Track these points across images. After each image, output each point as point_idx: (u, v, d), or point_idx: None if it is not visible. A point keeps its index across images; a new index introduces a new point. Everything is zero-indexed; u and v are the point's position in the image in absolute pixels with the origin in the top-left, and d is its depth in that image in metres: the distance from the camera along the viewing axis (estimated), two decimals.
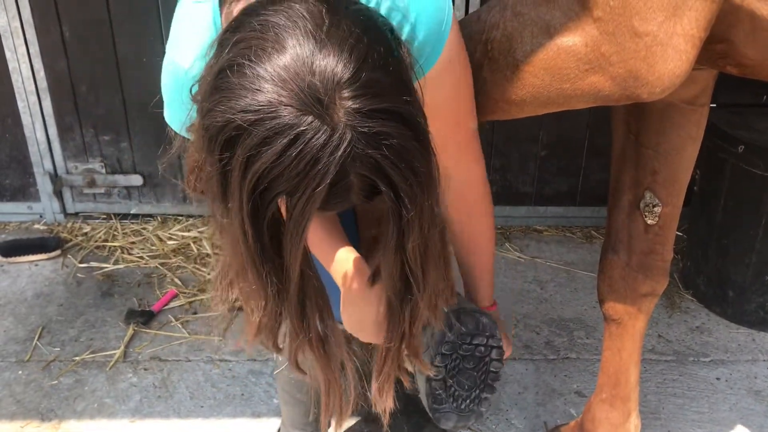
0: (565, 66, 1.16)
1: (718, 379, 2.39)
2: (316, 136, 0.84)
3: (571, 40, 1.14)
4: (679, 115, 1.39)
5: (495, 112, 1.35)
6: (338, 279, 1.27)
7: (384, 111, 0.87)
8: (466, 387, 1.47)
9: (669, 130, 1.42)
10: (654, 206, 1.52)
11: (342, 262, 1.22)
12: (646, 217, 1.54)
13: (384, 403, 1.22)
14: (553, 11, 1.16)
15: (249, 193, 0.89)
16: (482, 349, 1.45)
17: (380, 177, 0.89)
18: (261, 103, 0.85)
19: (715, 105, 2.67)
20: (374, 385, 1.21)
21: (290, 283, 1.00)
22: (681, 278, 2.89)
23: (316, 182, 0.86)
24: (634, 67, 1.09)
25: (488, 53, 1.27)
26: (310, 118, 0.84)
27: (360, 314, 1.34)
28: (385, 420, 1.33)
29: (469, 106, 1.33)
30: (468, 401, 1.48)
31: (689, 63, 1.08)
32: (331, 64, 0.85)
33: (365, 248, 1.25)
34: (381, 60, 0.89)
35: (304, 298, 1.04)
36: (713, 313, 2.73)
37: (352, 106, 0.85)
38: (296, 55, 0.86)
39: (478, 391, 1.49)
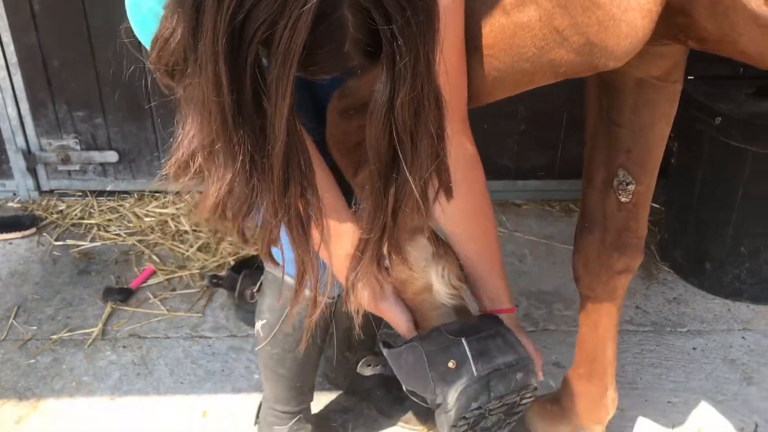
0: (522, 44, 1.13)
1: (694, 348, 2.43)
2: None
3: (525, 17, 1.11)
4: (651, 92, 1.38)
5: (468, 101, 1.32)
6: None
7: None
8: (489, 425, 1.37)
9: (641, 107, 1.41)
10: (627, 184, 1.52)
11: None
12: (619, 195, 1.54)
13: (357, 301, 1.10)
14: None
15: (226, 25, 0.78)
16: (513, 397, 1.33)
17: (376, 6, 0.80)
18: None
19: (692, 77, 2.69)
20: (348, 278, 1.08)
21: (274, 145, 0.86)
22: (658, 250, 2.92)
23: (302, 1, 0.75)
24: (590, 39, 1.06)
25: None
26: None
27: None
28: (358, 321, 1.21)
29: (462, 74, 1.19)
30: None
31: (647, 29, 1.05)
32: None
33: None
34: None
35: (287, 166, 0.89)
36: (690, 285, 2.76)
37: None
38: None
39: (502, 424, 1.39)
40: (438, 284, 1.37)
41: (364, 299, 1.16)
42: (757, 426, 2.11)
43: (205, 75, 0.83)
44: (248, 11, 0.77)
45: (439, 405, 1.33)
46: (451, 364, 1.30)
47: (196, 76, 0.85)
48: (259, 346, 1.74)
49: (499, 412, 1.36)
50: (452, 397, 1.30)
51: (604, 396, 1.82)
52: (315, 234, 1.02)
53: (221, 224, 1.00)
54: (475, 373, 1.29)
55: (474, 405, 1.29)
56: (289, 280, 1.41)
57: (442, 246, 1.39)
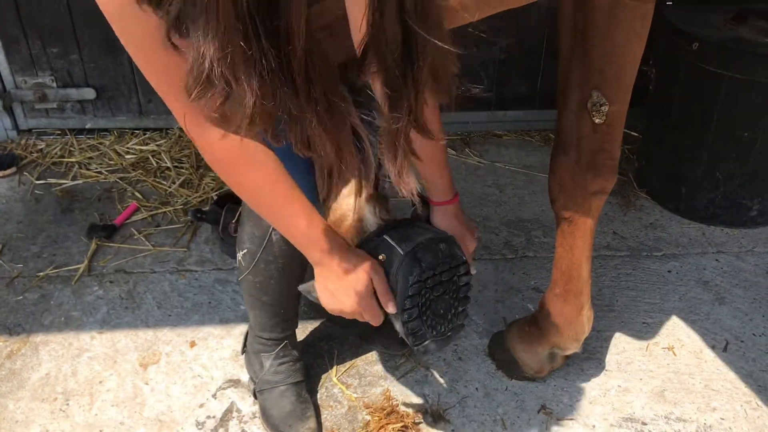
0: None
1: (669, 271, 2.49)
2: None
3: None
4: (624, 11, 1.38)
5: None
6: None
7: None
8: (442, 312, 1.45)
9: (614, 27, 1.41)
10: (601, 105, 1.54)
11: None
12: (593, 116, 1.56)
13: (407, 186, 1.14)
14: None
15: None
16: (447, 273, 1.42)
17: None
18: None
19: (670, 2, 2.68)
20: (392, 171, 1.12)
21: (295, 45, 0.87)
22: (636, 177, 2.96)
23: None
24: None
25: None
26: None
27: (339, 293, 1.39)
28: (416, 199, 1.26)
29: None
30: (446, 323, 1.47)
31: None
32: None
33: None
34: None
35: (308, 65, 0.91)
36: (666, 210, 2.82)
37: None
38: None
39: (453, 310, 1.47)
40: (370, 219, 1.46)
41: (411, 183, 1.20)
42: (727, 343, 2.20)
43: None
44: None
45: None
46: (381, 257, 1.40)
47: None
48: (242, 276, 1.78)
49: (441, 292, 1.43)
50: (391, 281, 1.39)
51: (581, 314, 1.88)
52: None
53: (251, 132, 1.00)
54: (402, 252, 1.38)
55: (411, 279, 1.37)
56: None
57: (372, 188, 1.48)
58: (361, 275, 1.38)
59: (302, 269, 1.76)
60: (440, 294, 1.43)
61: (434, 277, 1.40)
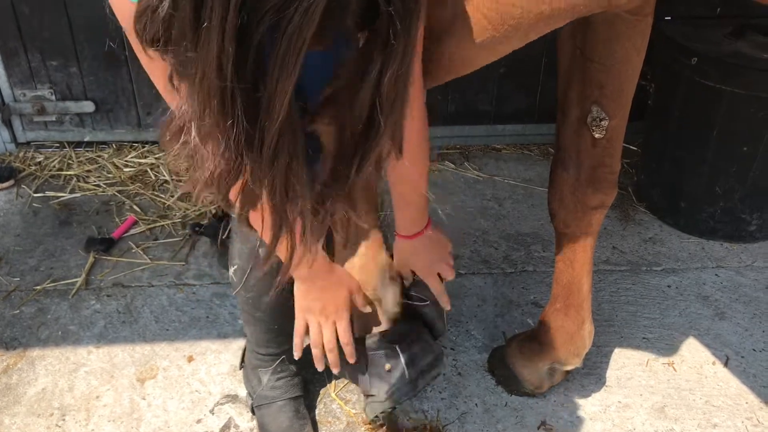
0: None
1: (669, 286, 2.49)
2: None
3: None
4: (624, 26, 1.39)
5: (474, 60, 1.34)
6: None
7: None
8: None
9: (614, 42, 1.42)
10: (601, 120, 1.54)
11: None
12: (593, 131, 1.56)
13: (310, 246, 1.13)
14: None
15: (237, 6, 0.79)
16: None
17: None
18: None
19: (669, 18, 2.69)
20: (299, 226, 1.12)
21: (271, 120, 0.88)
22: (635, 191, 2.96)
23: None
24: None
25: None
26: None
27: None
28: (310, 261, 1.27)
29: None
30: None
31: None
32: None
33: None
34: None
35: (279, 139, 0.91)
36: (666, 224, 2.81)
37: None
38: None
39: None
40: (389, 304, 1.70)
41: (316, 248, 1.22)
42: (728, 359, 2.19)
43: (207, 54, 0.83)
44: None
45: (371, 395, 1.70)
46: (387, 367, 1.66)
47: (193, 52, 0.85)
48: (234, 291, 1.77)
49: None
50: (386, 392, 1.67)
51: (581, 329, 1.87)
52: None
53: (207, 192, 1.02)
54: (407, 377, 1.66)
55: (403, 399, 1.70)
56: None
57: (395, 270, 1.71)
58: (340, 298, 1.56)
59: (292, 286, 1.75)
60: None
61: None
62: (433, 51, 1.31)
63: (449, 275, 1.73)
